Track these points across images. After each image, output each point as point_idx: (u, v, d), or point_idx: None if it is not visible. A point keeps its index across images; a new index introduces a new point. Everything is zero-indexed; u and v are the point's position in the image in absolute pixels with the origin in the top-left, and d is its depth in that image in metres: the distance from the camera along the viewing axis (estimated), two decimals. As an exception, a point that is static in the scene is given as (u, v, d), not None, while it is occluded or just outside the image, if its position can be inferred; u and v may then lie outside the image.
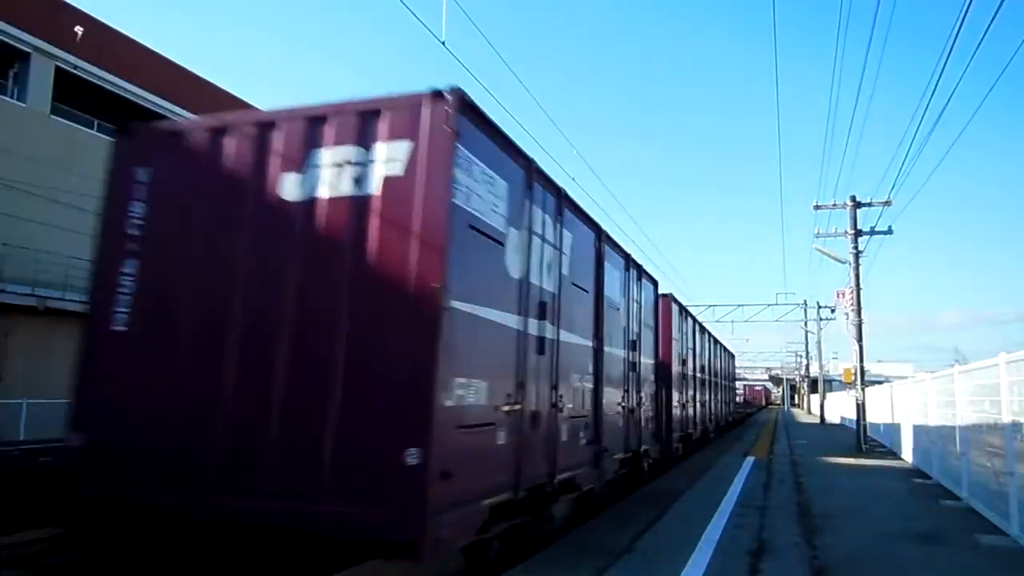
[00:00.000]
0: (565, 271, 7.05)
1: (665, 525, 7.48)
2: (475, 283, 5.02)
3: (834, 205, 20.09)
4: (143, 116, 26.67)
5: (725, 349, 30.41)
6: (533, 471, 6.01)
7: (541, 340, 6.23)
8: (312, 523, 4.51)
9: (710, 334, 23.63)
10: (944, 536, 7.13)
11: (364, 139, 4.91)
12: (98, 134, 24.77)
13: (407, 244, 4.62)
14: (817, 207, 20.44)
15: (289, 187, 5.02)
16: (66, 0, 23.51)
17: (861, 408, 19.23)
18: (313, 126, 5.07)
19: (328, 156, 4.97)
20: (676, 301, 15.25)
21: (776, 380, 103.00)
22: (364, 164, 4.87)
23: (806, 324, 46.46)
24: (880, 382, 24.80)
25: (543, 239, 6.50)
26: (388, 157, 4.81)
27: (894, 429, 17.70)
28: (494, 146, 5.47)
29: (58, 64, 22.76)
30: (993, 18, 7.66)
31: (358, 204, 4.81)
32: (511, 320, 5.66)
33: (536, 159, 6.32)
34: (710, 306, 41.19)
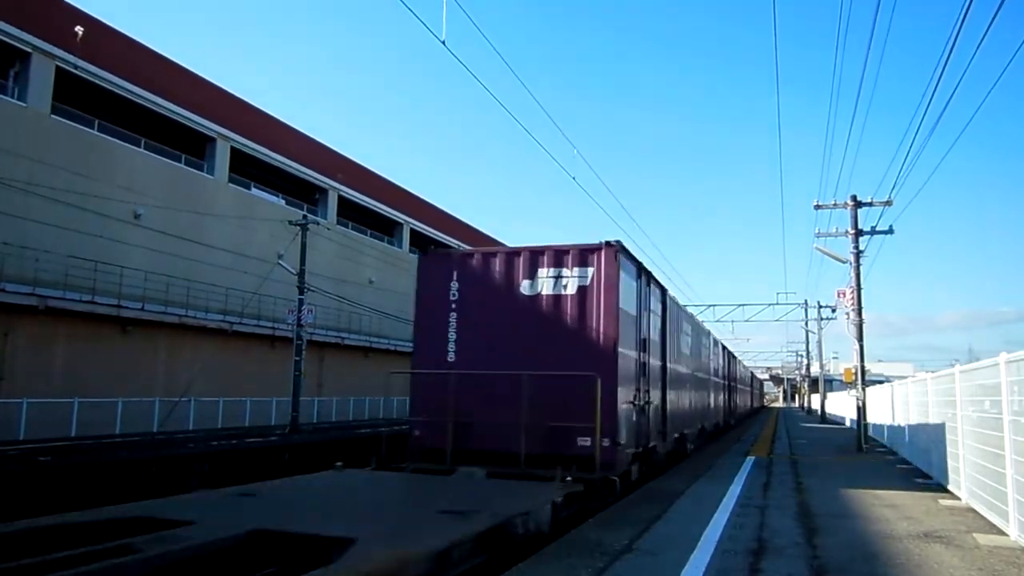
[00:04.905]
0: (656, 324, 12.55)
1: (665, 524, 7.48)
2: (623, 338, 9.79)
3: (835, 205, 20.05)
4: (143, 116, 26.66)
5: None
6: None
7: (644, 364, 11.25)
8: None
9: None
10: (944, 536, 7.13)
11: (562, 265, 9.90)
12: (99, 134, 24.77)
13: (594, 319, 9.59)
14: (818, 207, 20.41)
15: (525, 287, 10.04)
16: (66, 0, 23.50)
17: (862, 408, 19.22)
18: (535, 256, 10.05)
19: (544, 272, 9.97)
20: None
21: (777, 380, 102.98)
22: (564, 278, 9.85)
23: (806, 324, 46.48)
24: (880, 382, 24.78)
25: (649, 311, 11.75)
26: (579, 275, 9.79)
27: (894, 429, 17.70)
28: (631, 266, 10.60)
29: (58, 64, 22.73)
30: (994, 17, 7.65)
31: (562, 298, 9.82)
32: (634, 355, 10.67)
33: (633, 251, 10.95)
34: (710, 306, 41.20)
